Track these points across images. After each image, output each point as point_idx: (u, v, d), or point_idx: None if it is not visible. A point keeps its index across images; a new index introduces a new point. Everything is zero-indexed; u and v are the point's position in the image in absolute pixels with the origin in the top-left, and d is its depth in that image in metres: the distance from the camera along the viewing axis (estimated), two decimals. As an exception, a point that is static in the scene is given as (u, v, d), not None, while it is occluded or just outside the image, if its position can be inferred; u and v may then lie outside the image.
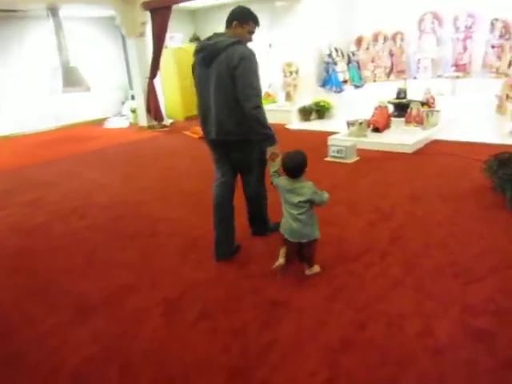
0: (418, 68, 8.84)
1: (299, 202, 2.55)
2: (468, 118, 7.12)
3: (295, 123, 8.23)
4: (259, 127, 2.66)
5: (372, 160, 5.42)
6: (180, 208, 4.25)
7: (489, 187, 4.01)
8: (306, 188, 2.56)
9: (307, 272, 2.75)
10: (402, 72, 9.13)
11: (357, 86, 9.01)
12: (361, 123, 6.20)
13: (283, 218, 2.70)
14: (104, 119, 10.15)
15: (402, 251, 3.05)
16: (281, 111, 8.60)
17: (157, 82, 10.00)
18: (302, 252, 2.72)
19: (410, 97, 7.13)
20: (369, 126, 6.19)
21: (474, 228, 3.35)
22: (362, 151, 5.66)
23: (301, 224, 2.58)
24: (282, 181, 2.65)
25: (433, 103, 7.29)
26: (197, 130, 7.87)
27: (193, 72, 2.99)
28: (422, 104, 6.87)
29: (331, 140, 5.89)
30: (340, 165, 5.33)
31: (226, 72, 2.67)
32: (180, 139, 7.78)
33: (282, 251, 2.73)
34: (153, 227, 3.83)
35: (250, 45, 2.84)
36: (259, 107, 2.66)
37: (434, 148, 5.83)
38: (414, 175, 4.74)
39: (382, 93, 7.46)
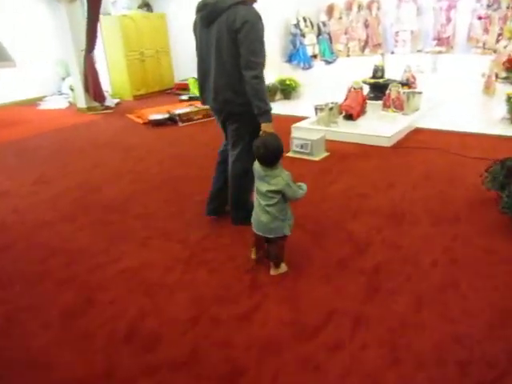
0: (396, 42, 7.88)
1: (267, 191, 2.30)
2: (452, 100, 6.21)
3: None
4: (256, 100, 2.50)
5: (343, 157, 4.45)
6: (89, 233, 3.18)
7: (490, 198, 3.12)
8: (280, 178, 2.29)
9: (272, 272, 2.47)
10: (378, 46, 8.14)
11: (328, 62, 7.97)
12: (331, 108, 5.19)
13: (254, 208, 2.46)
14: (40, 99, 8.80)
15: (381, 321, 2.10)
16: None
17: (100, 56, 8.74)
18: (268, 251, 2.50)
19: (387, 75, 6.16)
20: (340, 113, 5.19)
21: (481, 270, 2.44)
22: (331, 144, 4.68)
23: (269, 217, 2.33)
24: (257, 165, 2.37)
25: (413, 83, 6.34)
26: (142, 114, 6.74)
27: (194, 31, 2.76)
28: (402, 85, 5.91)
29: (294, 131, 4.88)
30: (304, 163, 4.33)
31: (226, 35, 2.49)
32: (121, 124, 6.61)
33: (253, 248, 2.60)
34: (42, 264, 2.76)
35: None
36: (259, 78, 2.48)
37: (417, 139, 4.90)
38: (394, 179, 3.80)
39: (357, 70, 6.46)
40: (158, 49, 8.93)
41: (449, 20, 7.35)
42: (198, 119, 6.41)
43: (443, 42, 7.35)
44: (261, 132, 2.51)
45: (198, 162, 4.61)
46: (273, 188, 2.27)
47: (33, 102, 8.64)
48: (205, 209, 3.20)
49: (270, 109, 2.54)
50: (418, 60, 7.32)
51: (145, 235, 3.06)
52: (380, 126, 5.04)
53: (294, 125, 5.09)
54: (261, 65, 2.49)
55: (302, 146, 4.48)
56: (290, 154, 4.62)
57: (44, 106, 8.47)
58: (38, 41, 8.75)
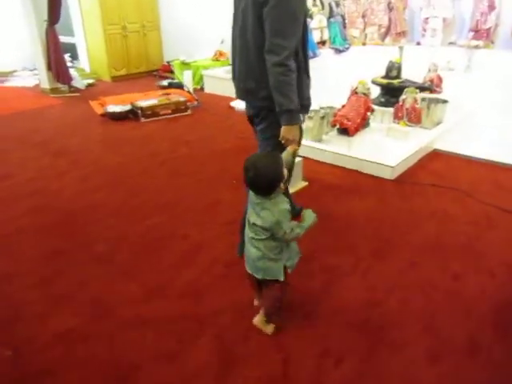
0: (424, 30, 6.44)
1: (253, 224, 1.75)
2: (489, 112, 4.83)
3: (246, 99, 5.87)
4: (277, 94, 1.93)
5: (324, 192, 3.22)
6: None
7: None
8: (268, 212, 1.69)
9: (256, 320, 1.92)
10: (401, 34, 6.72)
11: (338, 51, 6.62)
12: (323, 117, 3.92)
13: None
14: (8, 74, 7.72)
15: None
16: (228, 80, 6.20)
17: (78, 29, 7.58)
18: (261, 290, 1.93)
19: (406, 75, 4.81)
20: (333, 125, 3.90)
21: None
22: (314, 167, 3.49)
23: (258, 253, 1.78)
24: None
25: (438, 86, 4.96)
26: (104, 102, 5.57)
27: None
28: (423, 89, 4.56)
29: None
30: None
31: (251, 8, 1.96)
32: (76, 115, 5.46)
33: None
34: None
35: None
36: (284, 66, 1.89)
37: (432, 170, 3.61)
38: (385, 242, 2.56)
39: (373, 63, 5.14)
40: (144, 23, 7.68)
41: (492, 8, 5.90)
42: (165, 115, 5.20)
43: (482, 34, 5.92)
44: (281, 136, 2.00)
45: (133, 181, 3.47)
46: (258, 223, 1.73)
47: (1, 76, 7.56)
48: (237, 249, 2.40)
49: (296, 108, 1.96)
50: (449, 55, 5.93)
51: None
52: (383, 148, 3.75)
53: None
54: (287, 49, 1.90)
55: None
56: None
57: (11, 82, 7.40)
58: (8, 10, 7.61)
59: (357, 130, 3.87)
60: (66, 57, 7.73)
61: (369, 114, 4.09)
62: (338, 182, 3.39)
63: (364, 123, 4.02)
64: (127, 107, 5.23)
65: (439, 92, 4.89)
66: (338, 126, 3.90)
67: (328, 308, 2.04)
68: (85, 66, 7.86)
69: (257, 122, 2.24)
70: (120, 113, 5.14)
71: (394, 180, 3.41)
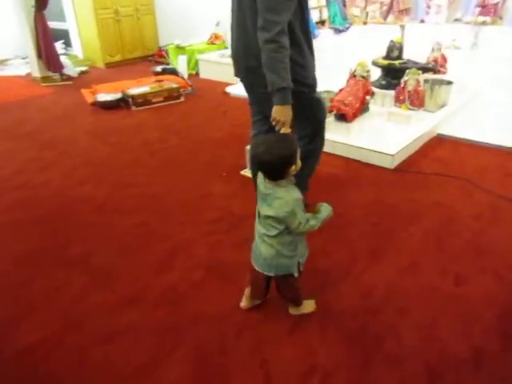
0: (429, 7, 6.10)
1: (266, 216, 1.59)
2: (497, 92, 4.59)
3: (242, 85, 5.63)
4: (269, 71, 1.84)
5: (319, 182, 2.99)
6: None
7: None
8: (282, 201, 1.54)
9: (291, 311, 1.85)
10: (404, 12, 6.38)
11: (338, 31, 6.34)
12: (320, 102, 3.69)
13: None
14: (1, 62, 7.53)
15: None
16: (223, 64, 5.99)
17: (69, 14, 7.33)
18: (277, 289, 1.82)
19: (408, 55, 4.56)
20: (330, 111, 3.68)
21: None
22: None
23: (271, 251, 1.64)
24: (260, 178, 1.62)
25: (443, 66, 4.70)
26: (95, 90, 5.37)
27: None
28: (426, 70, 4.32)
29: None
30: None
31: None
32: (67, 103, 5.27)
33: (247, 290, 1.88)
34: None
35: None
36: (275, 42, 1.79)
37: (435, 157, 3.41)
38: (382, 241, 2.38)
39: (375, 43, 4.89)
40: (137, 6, 7.41)
41: (501, -20, 5.56)
42: (158, 102, 5.00)
43: (489, 9, 5.61)
44: (272, 117, 1.91)
45: (121, 173, 3.32)
46: (271, 213, 1.57)
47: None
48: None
49: (289, 87, 1.87)
50: (455, 32, 5.66)
51: None
52: (384, 134, 3.54)
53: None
54: (280, 25, 1.80)
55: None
56: (245, 172, 3.22)
57: (4, 71, 7.21)
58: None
59: (355, 115, 3.65)
60: (60, 44, 7.53)
61: (368, 97, 3.86)
62: (335, 173, 3.20)
63: (363, 108, 3.79)
64: (118, 95, 5.03)
65: (444, 72, 4.64)
66: (335, 112, 3.67)
67: (317, 316, 1.87)
68: (78, 53, 7.64)
69: (254, 96, 2.19)
70: (111, 101, 4.95)
71: (395, 169, 3.20)
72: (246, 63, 2.08)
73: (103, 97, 5.01)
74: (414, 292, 1.99)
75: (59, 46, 7.40)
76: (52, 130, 4.35)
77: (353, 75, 3.94)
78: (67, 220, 2.70)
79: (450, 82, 4.20)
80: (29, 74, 6.83)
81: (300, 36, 1.97)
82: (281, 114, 1.89)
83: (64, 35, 7.68)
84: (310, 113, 2.24)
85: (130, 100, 4.88)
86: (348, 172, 3.22)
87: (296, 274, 1.70)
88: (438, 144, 3.64)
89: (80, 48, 7.58)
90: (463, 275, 2.09)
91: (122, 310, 1.93)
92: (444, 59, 4.70)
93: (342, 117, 3.61)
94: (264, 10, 1.80)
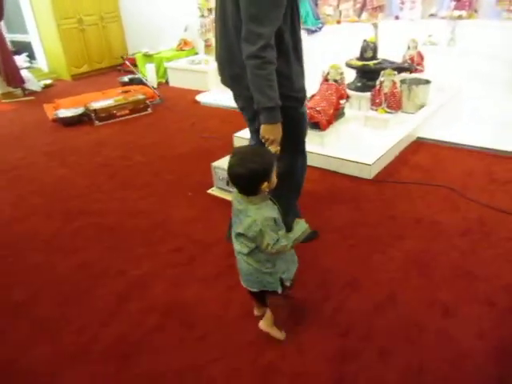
0: (403, 3, 5.92)
1: (238, 233, 1.53)
2: (478, 90, 4.40)
3: (214, 92, 5.38)
4: (254, 89, 1.70)
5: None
6: None
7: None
8: (251, 220, 1.46)
9: (262, 324, 1.75)
10: (378, 9, 6.19)
11: (311, 31, 6.09)
12: (291, 109, 3.43)
13: None
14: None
15: None
16: (193, 71, 5.72)
17: (31, 26, 6.97)
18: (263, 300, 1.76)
19: (383, 54, 4.33)
20: (302, 119, 3.42)
21: None
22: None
23: (248, 267, 1.58)
24: (234, 193, 1.57)
25: (420, 64, 4.49)
26: (58, 105, 5.05)
27: None
28: (401, 70, 4.10)
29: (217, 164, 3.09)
30: (226, 210, 2.64)
31: None
32: (27, 121, 4.94)
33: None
34: None
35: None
36: (260, 58, 1.62)
37: (415, 163, 3.18)
38: (367, 270, 2.14)
39: (350, 43, 4.65)
40: (102, 14, 7.09)
41: (474, -28, 5.38)
42: (123, 116, 4.71)
43: (464, 3, 5.41)
44: (261, 136, 1.79)
45: (74, 200, 3.02)
46: (241, 231, 1.49)
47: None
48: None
49: (276, 105, 1.72)
50: (431, 28, 5.46)
51: None
52: (360, 142, 3.31)
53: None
54: (264, 38, 1.61)
55: (228, 182, 2.78)
56: (212, 191, 2.95)
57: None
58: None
59: (330, 122, 3.40)
60: (24, 57, 7.19)
61: (343, 102, 3.62)
62: (309, 188, 2.92)
63: (338, 113, 3.54)
64: (80, 110, 4.72)
65: (421, 71, 4.42)
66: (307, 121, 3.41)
67: (286, 368, 1.61)
68: (43, 66, 7.29)
69: (245, 113, 2.05)
70: (72, 117, 4.64)
71: (373, 180, 2.97)
72: (231, 72, 1.93)
73: (64, 113, 4.70)
74: (396, 329, 1.75)
75: (23, 59, 7.07)
76: (6, 152, 4.03)
77: (325, 79, 3.69)
78: (10, 260, 2.40)
79: (428, 81, 3.99)
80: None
81: (289, 42, 1.77)
82: (270, 132, 1.76)
83: (28, 48, 7.33)
84: (295, 129, 2.01)
85: (93, 115, 4.58)
86: (324, 185, 2.97)
87: (279, 291, 1.61)
88: (418, 149, 3.42)
89: (44, 60, 7.22)
90: (451, 305, 1.85)
91: (63, 368, 1.66)
92: (421, 57, 4.48)
93: (315, 125, 3.36)
94: (247, 19, 1.62)
